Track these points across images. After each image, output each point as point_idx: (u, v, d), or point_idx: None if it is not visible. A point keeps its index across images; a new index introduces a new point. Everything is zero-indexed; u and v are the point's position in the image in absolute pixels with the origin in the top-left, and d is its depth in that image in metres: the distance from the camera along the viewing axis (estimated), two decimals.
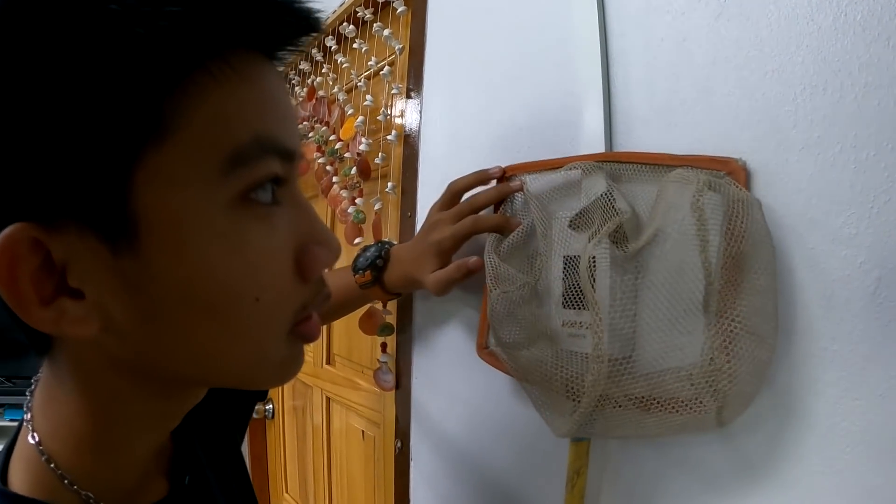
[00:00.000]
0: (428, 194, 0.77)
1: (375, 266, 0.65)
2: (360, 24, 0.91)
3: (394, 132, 0.84)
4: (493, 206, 0.60)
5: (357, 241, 0.87)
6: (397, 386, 0.84)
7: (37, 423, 0.31)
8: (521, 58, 0.63)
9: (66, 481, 0.30)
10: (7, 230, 0.24)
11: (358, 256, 0.67)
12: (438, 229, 0.60)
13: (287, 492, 1.44)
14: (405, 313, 0.82)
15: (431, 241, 0.60)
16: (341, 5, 0.98)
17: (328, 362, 1.17)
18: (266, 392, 1.10)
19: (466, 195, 0.62)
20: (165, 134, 0.25)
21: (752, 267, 0.38)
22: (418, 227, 0.74)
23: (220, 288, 0.27)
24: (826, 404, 0.37)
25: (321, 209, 1.11)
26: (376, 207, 0.86)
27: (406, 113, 0.84)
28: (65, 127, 0.23)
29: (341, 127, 0.95)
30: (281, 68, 0.32)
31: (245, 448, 1.51)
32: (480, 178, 0.61)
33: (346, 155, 0.93)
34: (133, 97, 0.24)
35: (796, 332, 0.39)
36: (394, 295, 0.68)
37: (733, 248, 0.38)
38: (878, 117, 0.35)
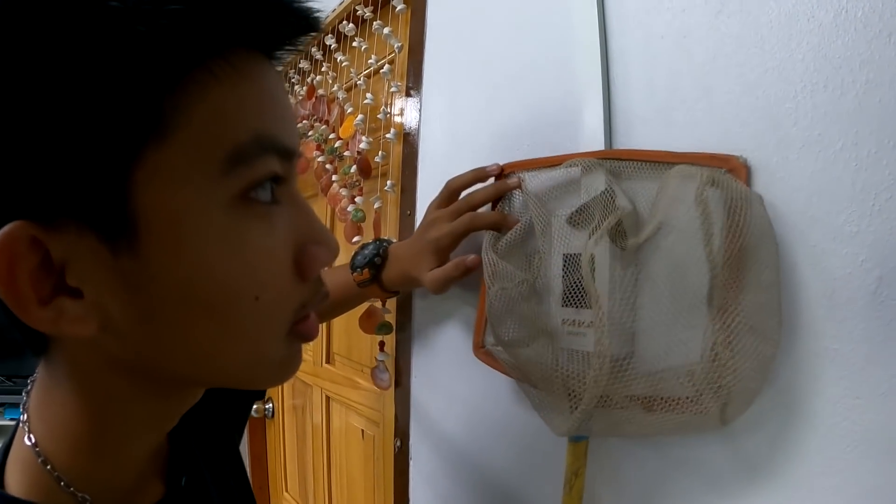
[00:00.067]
0: (427, 193, 0.77)
1: (373, 264, 0.65)
2: (360, 23, 0.91)
3: (393, 130, 0.84)
4: (490, 203, 0.60)
5: (356, 239, 0.87)
6: (397, 385, 0.84)
7: (33, 425, 0.31)
8: (520, 56, 0.63)
9: (62, 483, 0.30)
10: (6, 228, 0.24)
11: (356, 254, 0.67)
12: (436, 227, 0.60)
13: (287, 491, 1.44)
14: (405, 312, 0.82)
15: (429, 239, 0.60)
16: (341, 4, 0.97)
17: (328, 361, 1.17)
18: (264, 391, 1.10)
19: (464, 193, 0.62)
20: (165, 132, 0.25)
21: (756, 262, 0.38)
22: (418, 225, 0.74)
23: (219, 287, 0.27)
24: (827, 404, 0.37)
25: (321, 208, 1.11)
26: (376, 206, 0.85)
27: (406, 111, 0.84)
28: (64, 125, 0.23)
29: (341, 125, 0.95)
30: (280, 68, 0.32)
31: (245, 447, 1.51)
32: (478, 175, 0.60)
33: (346, 153, 0.93)
34: (133, 95, 0.24)
35: (798, 330, 0.39)
36: (392, 293, 0.68)
37: (736, 242, 0.38)
38: (879, 114, 0.35)
